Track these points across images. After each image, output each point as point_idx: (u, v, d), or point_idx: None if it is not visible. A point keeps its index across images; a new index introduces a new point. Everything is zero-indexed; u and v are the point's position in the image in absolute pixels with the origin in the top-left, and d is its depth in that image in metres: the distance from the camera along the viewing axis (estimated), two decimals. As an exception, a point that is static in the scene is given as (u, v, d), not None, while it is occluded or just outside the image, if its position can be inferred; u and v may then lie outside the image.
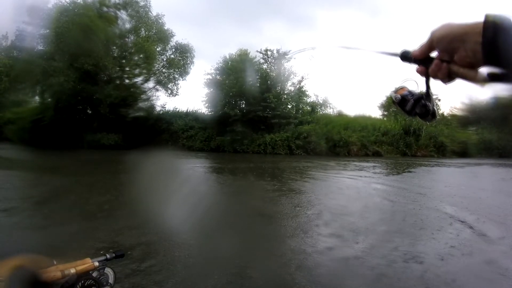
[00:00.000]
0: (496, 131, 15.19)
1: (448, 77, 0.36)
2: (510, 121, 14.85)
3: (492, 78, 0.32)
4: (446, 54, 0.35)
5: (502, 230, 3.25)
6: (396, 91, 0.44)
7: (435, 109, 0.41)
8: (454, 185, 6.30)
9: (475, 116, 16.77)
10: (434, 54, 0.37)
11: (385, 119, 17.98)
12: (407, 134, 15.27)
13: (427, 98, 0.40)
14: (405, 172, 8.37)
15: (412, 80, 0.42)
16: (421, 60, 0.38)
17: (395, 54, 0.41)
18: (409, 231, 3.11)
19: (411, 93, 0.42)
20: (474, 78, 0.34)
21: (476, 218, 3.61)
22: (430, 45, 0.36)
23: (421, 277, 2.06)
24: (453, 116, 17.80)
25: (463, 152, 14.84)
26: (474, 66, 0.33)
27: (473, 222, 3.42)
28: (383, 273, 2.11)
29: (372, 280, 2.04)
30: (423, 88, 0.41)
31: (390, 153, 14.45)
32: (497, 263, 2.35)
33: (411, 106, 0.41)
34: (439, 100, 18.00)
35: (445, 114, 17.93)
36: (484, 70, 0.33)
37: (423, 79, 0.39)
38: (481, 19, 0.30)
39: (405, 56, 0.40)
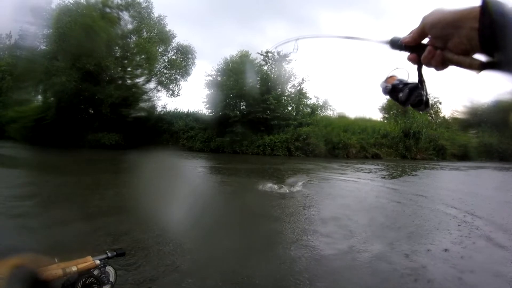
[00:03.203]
0: (497, 135, 15.13)
1: (441, 64, 0.34)
2: (510, 124, 14.80)
3: (488, 65, 0.31)
4: (439, 41, 0.34)
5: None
6: (386, 80, 0.42)
7: (429, 98, 0.39)
8: (457, 188, 6.30)
9: (476, 119, 16.70)
10: (425, 40, 0.36)
11: (385, 121, 17.95)
12: (407, 136, 15.23)
13: (420, 87, 0.38)
14: (407, 174, 8.36)
15: (402, 68, 0.41)
16: (412, 47, 0.36)
17: (384, 42, 0.39)
18: (415, 232, 3.10)
19: (401, 82, 0.40)
20: (469, 65, 0.32)
21: (483, 218, 3.64)
22: (422, 31, 0.35)
23: (423, 277, 2.08)
24: (454, 119, 17.75)
25: (463, 155, 14.78)
26: (469, 52, 0.32)
27: (480, 224, 3.44)
28: (386, 277, 2.10)
29: (377, 281, 2.04)
30: (412, 76, 0.39)
31: (389, 155, 14.42)
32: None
33: (406, 96, 0.38)
34: (440, 103, 18.01)
35: (446, 117, 17.91)
36: (480, 57, 0.31)
37: (414, 66, 0.37)
38: (476, 3, 0.29)
39: (395, 44, 0.38)
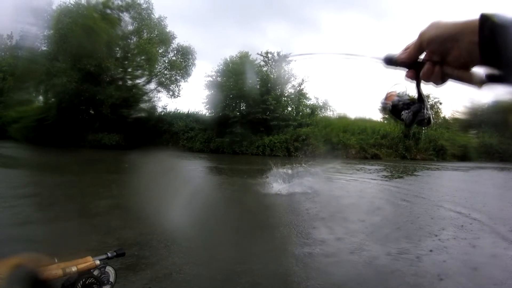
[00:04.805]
0: (497, 135, 15.11)
1: (441, 80, 0.34)
2: (511, 125, 14.77)
3: (490, 79, 0.30)
4: (437, 56, 0.33)
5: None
6: (386, 98, 0.42)
7: (430, 113, 0.38)
8: (460, 187, 6.32)
9: (476, 120, 16.68)
10: (421, 56, 0.35)
11: (385, 122, 17.93)
12: (407, 137, 15.21)
13: (422, 107, 0.38)
14: (408, 174, 8.35)
15: (400, 84, 0.40)
16: (408, 64, 0.36)
17: (378, 59, 0.38)
18: (419, 231, 3.08)
19: (401, 99, 0.40)
20: (469, 80, 0.32)
21: (486, 216, 3.67)
22: (420, 47, 0.34)
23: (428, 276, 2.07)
24: (455, 120, 17.72)
25: (463, 156, 14.75)
26: (468, 66, 0.32)
27: (484, 221, 3.46)
28: (389, 277, 2.09)
29: (379, 281, 2.04)
30: (411, 88, 0.40)
31: (389, 156, 14.41)
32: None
33: (410, 120, 0.39)
34: (441, 103, 17.98)
35: (447, 117, 17.89)
36: (480, 71, 0.31)
37: (411, 82, 0.37)
38: (473, 17, 0.29)
39: (389, 61, 0.37)
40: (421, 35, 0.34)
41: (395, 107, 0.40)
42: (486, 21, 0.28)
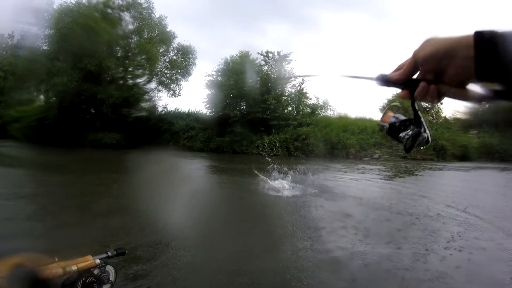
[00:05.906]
0: (498, 135, 15.07)
1: (437, 98, 0.34)
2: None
3: (490, 94, 0.30)
4: (431, 74, 0.33)
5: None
6: (382, 119, 0.41)
7: (429, 133, 0.37)
8: (463, 186, 6.33)
9: (477, 120, 16.64)
10: (416, 74, 0.35)
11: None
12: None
13: (421, 129, 0.37)
14: (410, 174, 8.34)
15: (396, 103, 0.41)
16: (403, 83, 0.35)
17: (371, 79, 0.38)
18: (422, 232, 3.06)
19: (397, 118, 0.39)
20: (465, 97, 0.32)
21: (489, 218, 3.66)
22: (414, 66, 0.34)
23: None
24: (456, 120, 17.68)
25: (463, 156, 14.74)
26: (464, 83, 0.31)
27: (487, 223, 3.44)
28: (389, 277, 2.08)
29: (380, 281, 2.04)
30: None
31: (389, 155, 14.40)
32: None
33: (410, 145, 0.37)
34: (441, 103, 17.93)
35: (447, 117, 17.85)
36: (476, 88, 0.30)
37: (406, 100, 0.36)
38: (466, 32, 0.29)
39: (383, 80, 0.37)
40: (416, 54, 0.33)
41: (392, 128, 0.39)
42: (483, 31, 0.27)
